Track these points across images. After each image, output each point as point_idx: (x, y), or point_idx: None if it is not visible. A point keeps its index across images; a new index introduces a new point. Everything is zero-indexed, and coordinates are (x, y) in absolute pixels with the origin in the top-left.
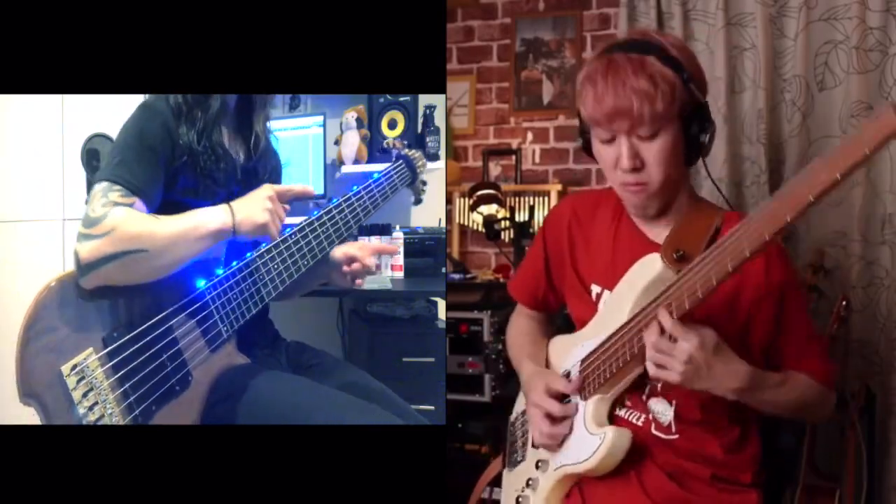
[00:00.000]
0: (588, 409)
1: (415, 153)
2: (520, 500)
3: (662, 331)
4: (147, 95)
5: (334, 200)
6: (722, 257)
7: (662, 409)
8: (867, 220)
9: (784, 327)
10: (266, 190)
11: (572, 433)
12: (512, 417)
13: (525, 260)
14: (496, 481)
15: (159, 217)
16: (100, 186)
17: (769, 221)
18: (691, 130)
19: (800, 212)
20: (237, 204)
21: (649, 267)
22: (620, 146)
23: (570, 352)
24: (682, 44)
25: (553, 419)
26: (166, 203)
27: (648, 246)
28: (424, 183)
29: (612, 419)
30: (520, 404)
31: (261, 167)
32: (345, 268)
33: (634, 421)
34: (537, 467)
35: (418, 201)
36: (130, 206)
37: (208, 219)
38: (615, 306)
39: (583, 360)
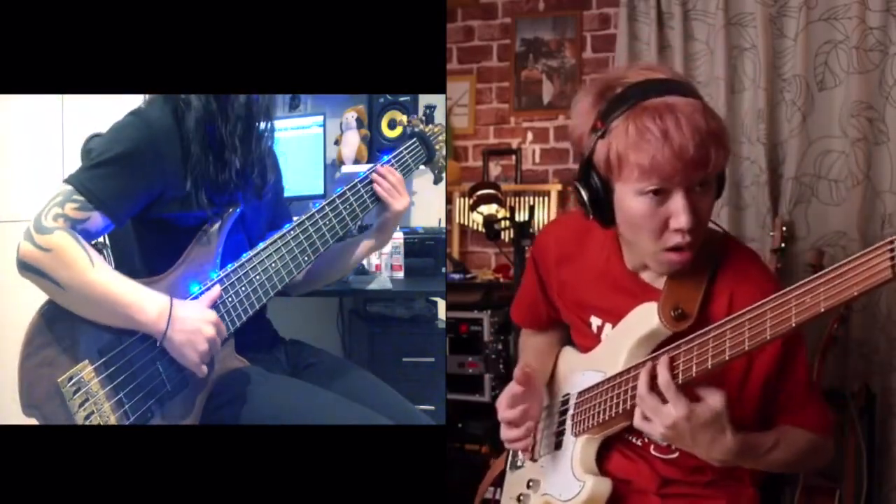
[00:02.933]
0: (577, 449)
1: (432, 127)
2: None
3: (654, 383)
4: (141, 102)
5: (338, 189)
6: (703, 349)
7: None
8: (867, 220)
9: (783, 377)
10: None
11: (561, 467)
12: None
13: (521, 287)
14: (500, 481)
15: (97, 263)
16: (63, 189)
17: (753, 335)
18: (720, 179)
19: (781, 334)
20: (182, 317)
21: (645, 319)
22: (677, 202)
23: (573, 375)
24: None
25: (512, 423)
26: (148, 220)
27: (645, 289)
28: (445, 157)
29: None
30: None
31: (259, 179)
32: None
33: (634, 440)
34: (528, 486)
35: (438, 179)
36: (85, 220)
37: (144, 308)
38: (613, 348)
39: (580, 394)
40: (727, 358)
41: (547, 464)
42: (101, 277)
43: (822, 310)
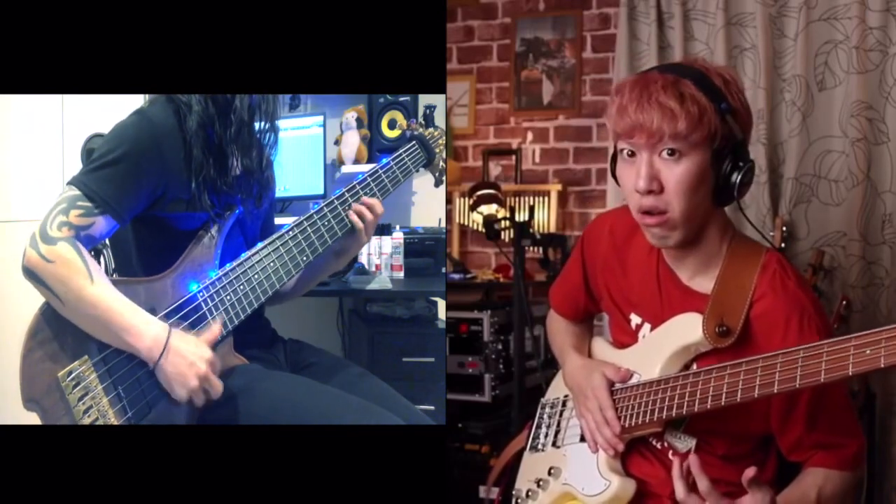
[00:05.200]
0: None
1: (431, 131)
2: (529, 493)
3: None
4: (145, 101)
5: (337, 191)
6: (718, 389)
7: (684, 437)
8: (867, 220)
9: (824, 401)
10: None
11: (586, 460)
12: (544, 399)
13: (564, 272)
14: (499, 480)
15: (97, 280)
16: (68, 194)
17: (783, 381)
18: (723, 166)
19: (810, 385)
20: (176, 347)
21: (689, 329)
22: (640, 163)
23: None
24: (731, 77)
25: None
26: (147, 220)
27: (686, 294)
28: (445, 161)
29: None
30: (557, 390)
31: (261, 187)
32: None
33: (654, 443)
34: (549, 473)
35: (439, 182)
36: (90, 226)
37: (140, 334)
38: (651, 352)
39: (613, 392)
40: (775, 391)
41: (570, 453)
42: (99, 295)
43: (850, 374)
